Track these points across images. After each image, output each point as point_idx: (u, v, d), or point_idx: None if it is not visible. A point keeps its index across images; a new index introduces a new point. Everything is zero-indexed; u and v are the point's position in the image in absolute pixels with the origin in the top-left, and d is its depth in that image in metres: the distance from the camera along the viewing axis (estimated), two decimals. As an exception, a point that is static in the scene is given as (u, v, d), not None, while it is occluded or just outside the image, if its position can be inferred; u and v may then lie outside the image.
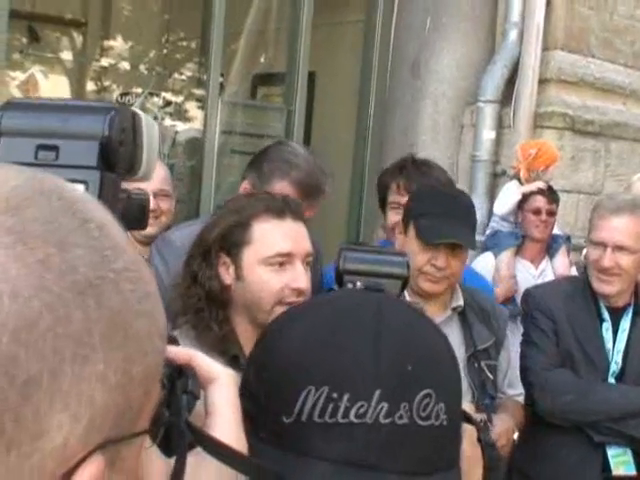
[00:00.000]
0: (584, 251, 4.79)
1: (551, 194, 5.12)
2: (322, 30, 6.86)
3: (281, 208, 2.33)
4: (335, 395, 0.97)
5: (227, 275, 2.33)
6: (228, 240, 2.32)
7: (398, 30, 6.69)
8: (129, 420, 0.61)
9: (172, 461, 0.79)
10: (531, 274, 4.98)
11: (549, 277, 4.93)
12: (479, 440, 1.12)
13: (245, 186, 3.21)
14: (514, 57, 6.16)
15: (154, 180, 3.64)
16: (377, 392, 0.96)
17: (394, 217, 3.39)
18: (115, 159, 0.92)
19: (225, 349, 2.24)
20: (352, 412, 0.96)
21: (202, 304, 2.31)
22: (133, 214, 1.00)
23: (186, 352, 0.90)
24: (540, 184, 5.11)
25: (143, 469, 0.75)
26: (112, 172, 0.92)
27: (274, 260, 2.28)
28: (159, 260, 3.14)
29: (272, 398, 1.00)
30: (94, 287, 0.58)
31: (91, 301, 0.57)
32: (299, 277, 2.29)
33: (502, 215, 5.19)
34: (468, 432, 1.09)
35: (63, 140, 0.89)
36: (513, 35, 6.20)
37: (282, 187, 3.08)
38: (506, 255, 4.97)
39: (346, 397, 0.97)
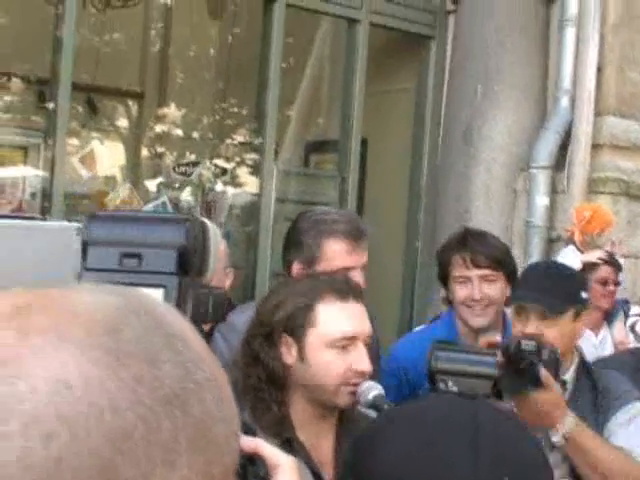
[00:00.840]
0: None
1: (616, 263, 5.11)
2: (374, 97, 6.95)
3: (344, 290, 2.35)
4: None
5: (289, 356, 2.34)
6: (292, 322, 2.34)
7: (449, 97, 6.76)
8: None
9: None
10: (592, 343, 4.94)
11: (609, 345, 4.90)
12: None
13: (297, 268, 3.09)
14: (566, 123, 6.19)
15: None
16: None
17: (462, 292, 3.42)
18: (190, 265, 0.98)
19: (279, 431, 2.26)
20: None
21: (262, 384, 2.34)
22: (215, 308, 1.07)
23: (252, 440, 0.95)
24: (600, 254, 5.10)
25: None
26: (186, 276, 0.98)
27: (339, 343, 2.30)
28: (223, 344, 3.11)
29: None
30: (179, 398, 0.64)
31: (177, 411, 0.63)
32: (362, 359, 2.31)
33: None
34: None
35: (145, 248, 0.96)
36: (565, 101, 6.24)
37: (333, 245, 3.02)
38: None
39: None
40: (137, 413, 0.62)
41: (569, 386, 2.91)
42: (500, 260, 3.43)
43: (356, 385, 2.29)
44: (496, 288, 3.38)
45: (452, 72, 6.73)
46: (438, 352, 1.21)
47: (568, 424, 2.68)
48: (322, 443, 2.37)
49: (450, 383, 1.17)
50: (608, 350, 4.84)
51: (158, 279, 0.95)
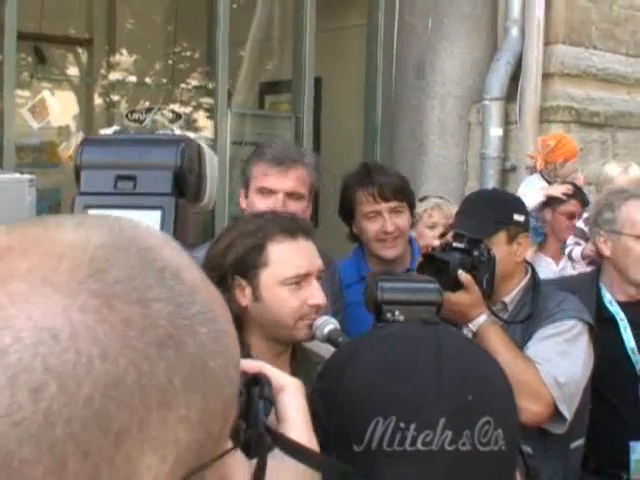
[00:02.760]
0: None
1: (582, 196, 5.19)
2: (326, 36, 6.94)
3: (293, 228, 2.38)
4: (402, 424, 1.04)
5: (243, 297, 2.37)
6: (244, 263, 2.36)
7: (401, 32, 6.78)
8: (210, 448, 0.67)
9: (253, 462, 0.85)
10: (552, 271, 5.04)
11: (568, 273, 5.00)
12: (519, 452, 1.19)
13: (241, 195, 3.31)
14: (517, 53, 6.24)
15: None
16: (442, 420, 1.04)
17: (373, 226, 3.46)
18: (186, 187, 1.00)
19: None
20: (419, 440, 1.03)
21: None
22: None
23: (256, 363, 0.97)
24: (565, 189, 5.17)
25: (229, 470, 0.82)
26: (184, 198, 1.00)
27: (292, 280, 2.34)
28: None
29: (342, 427, 1.07)
30: (172, 337, 0.63)
31: (171, 351, 0.62)
32: (316, 294, 2.35)
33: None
34: None
35: (140, 170, 0.98)
36: (514, 32, 6.29)
37: (259, 169, 3.19)
38: (529, 253, 5.04)
39: (413, 426, 1.04)
40: (128, 358, 0.60)
41: (510, 307, 3.01)
42: (404, 191, 3.49)
43: (312, 318, 2.33)
44: (404, 218, 3.45)
45: (402, 6, 6.74)
46: (382, 283, 1.26)
47: (479, 321, 2.86)
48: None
49: (397, 312, 1.22)
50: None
51: (154, 201, 0.96)
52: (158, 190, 0.98)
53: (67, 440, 0.57)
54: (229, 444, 0.75)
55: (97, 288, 0.61)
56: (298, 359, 2.43)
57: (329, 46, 7.08)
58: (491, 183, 6.18)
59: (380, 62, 6.93)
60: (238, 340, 2.17)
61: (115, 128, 7.93)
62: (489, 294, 2.93)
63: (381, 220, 3.42)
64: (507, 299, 3.03)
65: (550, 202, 5.19)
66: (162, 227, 0.97)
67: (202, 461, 0.66)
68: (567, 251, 5.19)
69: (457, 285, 2.86)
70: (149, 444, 0.61)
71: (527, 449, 1.18)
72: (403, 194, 3.47)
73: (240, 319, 2.35)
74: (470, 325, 2.88)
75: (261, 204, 3.11)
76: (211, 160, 1.05)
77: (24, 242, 0.64)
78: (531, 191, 5.20)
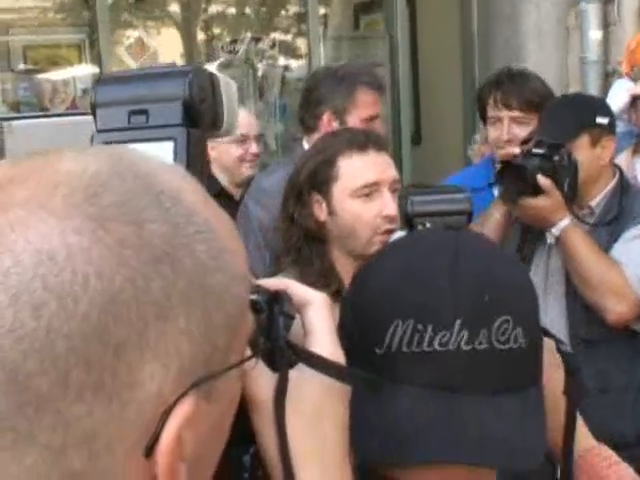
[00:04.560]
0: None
1: None
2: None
3: (363, 142, 2.43)
4: (420, 327, 1.07)
5: (321, 212, 2.45)
6: (317, 179, 2.45)
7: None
8: (218, 359, 0.70)
9: (277, 376, 0.89)
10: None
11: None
12: (558, 350, 1.19)
13: (327, 119, 3.31)
14: (614, -48, 6.02)
15: (241, 126, 3.88)
16: (458, 321, 1.06)
17: (494, 132, 3.43)
18: (198, 116, 1.02)
19: (327, 283, 2.36)
20: (436, 341, 1.06)
21: (301, 242, 2.44)
22: None
23: (282, 281, 0.99)
24: None
25: (253, 382, 0.88)
26: (197, 128, 1.03)
27: (361, 192, 2.40)
28: (254, 206, 3.31)
29: (364, 332, 1.11)
30: (168, 255, 0.66)
31: (167, 268, 0.66)
32: (387, 204, 2.39)
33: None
34: (547, 343, 1.17)
35: (151, 104, 1.00)
36: None
37: (366, 96, 3.28)
38: (625, 156, 4.92)
39: (430, 328, 1.07)
40: (124, 276, 0.63)
41: (597, 210, 2.97)
42: (533, 102, 3.39)
43: (388, 232, 2.36)
44: (526, 130, 3.33)
45: None
46: (412, 197, 1.27)
47: (562, 225, 2.86)
48: None
49: (427, 224, 1.23)
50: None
51: (166, 132, 0.99)
52: (169, 122, 1.00)
53: (69, 353, 0.61)
54: (247, 353, 0.79)
55: (92, 211, 0.65)
56: None
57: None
58: (593, 87, 6.01)
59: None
60: (321, 252, 2.19)
61: (216, 62, 8.00)
62: (572, 198, 2.90)
63: (501, 127, 3.38)
64: (593, 203, 3.01)
65: (636, 102, 5.03)
66: (175, 157, 0.99)
67: (210, 372, 0.69)
68: None
69: (537, 191, 2.84)
70: (149, 354, 0.65)
71: (566, 348, 1.19)
72: (530, 105, 3.38)
73: (321, 234, 2.45)
74: (553, 230, 2.87)
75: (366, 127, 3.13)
76: (227, 87, 1.07)
77: (25, 172, 0.68)
78: (616, 94, 5.05)
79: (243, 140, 4.01)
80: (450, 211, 1.25)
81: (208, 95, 1.05)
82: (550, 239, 2.93)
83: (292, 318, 0.98)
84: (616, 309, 2.80)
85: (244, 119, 4.03)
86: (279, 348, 0.90)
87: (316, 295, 0.98)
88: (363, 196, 2.39)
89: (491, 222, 3.04)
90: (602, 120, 2.98)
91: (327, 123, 3.31)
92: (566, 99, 3.46)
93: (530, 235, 3.06)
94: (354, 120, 3.28)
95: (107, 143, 1.00)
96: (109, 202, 0.66)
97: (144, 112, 1.00)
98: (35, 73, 6.75)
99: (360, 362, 1.04)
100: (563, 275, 2.97)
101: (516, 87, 3.40)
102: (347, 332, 1.08)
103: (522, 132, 3.33)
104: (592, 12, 6.02)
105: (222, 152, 3.98)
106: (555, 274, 2.99)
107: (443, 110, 7.14)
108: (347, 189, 2.40)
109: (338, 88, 3.32)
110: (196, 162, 1.01)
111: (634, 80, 5.18)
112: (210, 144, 4.00)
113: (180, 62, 8.86)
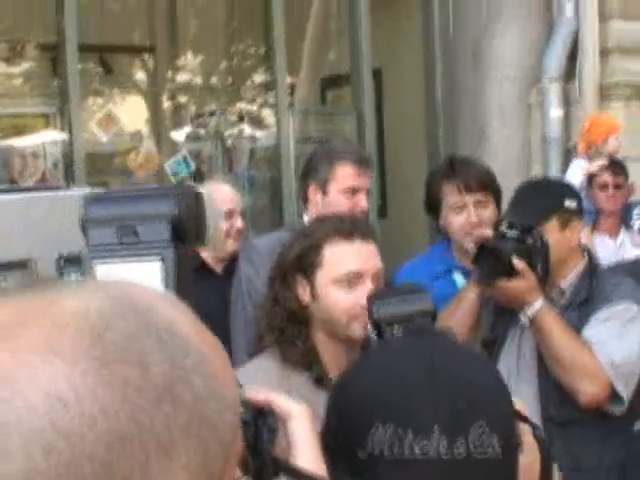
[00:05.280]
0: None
1: (617, 167, 5.15)
2: (382, 26, 6.98)
3: (349, 230, 2.48)
4: (400, 431, 1.11)
5: (304, 295, 2.49)
6: (302, 262, 2.48)
7: (456, 17, 6.78)
8: None
9: None
10: (608, 246, 5.02)
11: (628, 247, 4.99)
12: (535, 437, 1.23)
13: (313, 191, 3.49)
14: (572, 32, 6.20)
15: (226, 201, 3.96)
16: (436, 427, 1.10)
17: (458, 219, 3.45)
18: (184, 233, 1.07)
19: (309, 364, 2.41)
20: (416, 448, 1.10)
21: (285, 323, 2.48)
22: None
23: (263, 394, 1.02)
24: (602, 162, 5.15)
25: None
26: (183, 244, 1.08)
27: (344, 280, 2.43)
28: (247, 265, 3.46)
29: (347, 434, 1.15)
30: (169, 392, 0.69)
31: (168, 405, 0.69)
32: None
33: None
34: (523, 428, 1.21)
35: (140, 223, 1.05)
36: (569, 10, 6.23)
37: (344, 169, 3.44)
38: (584, 234, 5.03)
39: (410, 432, 1.11)
40: (128, 414, 0.67)
41: (567, 292, 3.04)
42: (490, 184, 3.47)
43: (366, 319, 2.41)
44: (490, 211, 3.42)
45: (456, -8, 6.75)
46: (376, 301, 1.33)
47: (535, 306, 2.90)
48: None
49: (396, 327, 1.28)
50: (628, 252, 4.93)
51: (154, 251, 1.04)
52: (158, 239, 1.05)
53: None
54: (238, 475, 0.83)
55: (97, 353, 0.68)
56: None
57: (386, 36, 7.11)
58: (554, 164, 6.15)
59: (438, 49, 6.94)
60: (304, 334, 2.20)
61: (184, 130, 8.07)
62: (544, 280, 2.97)
63: (467, 212, 3.45)
64: (564, 284, 3.06)
65: (592, 180, 5.18)
66: (163, 275, 1.03)
67: None
68: (636, 225, 5.16)
69: (512, 273, 2.91)
70: None
71: (541, 433, 1.23)
72: (488, 187, 3.47)
73: (303, 316, 2.49)
74: (527, 311, 2.93)
75: (347, 202, 3.37)
76: (210, 204, 1.12)
77: (32, 312, 0.71)
78: (573, 174, 5.19)
79: (228, 215, 4.01)
80: (415, 313, 1.29)
81: (194, 212, 1.10)
82: (524, 320, 2.99)
83: (275, 433, 1.02)
84: (588, 391, 2.84)
85: (229, 194, 4.10)
86: (265, 463, 0.93)
87: (297, 408, 1.01)
88: (345, 284, 2.44)
89: (466, 303, 3.09)
90: (571, 203, 3.06)
91: (312, 195, 3.48)
92: (535, 183, 3.55)
93: (502, 315, 3.11)
94: (334, 192, 3.43)
95: (97, 259, 1.04)
96: (113, 343, 0.69)
97: (133, 230, 1.05)
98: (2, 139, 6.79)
99: (344, 463, 1.09)
100: (535, 356, 3.02)
101: (473, 171, 3.47)
102: (332, 432, 1.14)
103: (485, 214, 3.40)
104: (553, 90, 6.18)
105: None
106: (527, 355, 3.04)
107: (409, 183, 7.25)
108: (330, 276, 2.44)
109: (321, 162, 3.52)
110: (182, 276, 1.05)
111: (590, 159, 5.33)
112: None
113: (145, 130, 8.94)
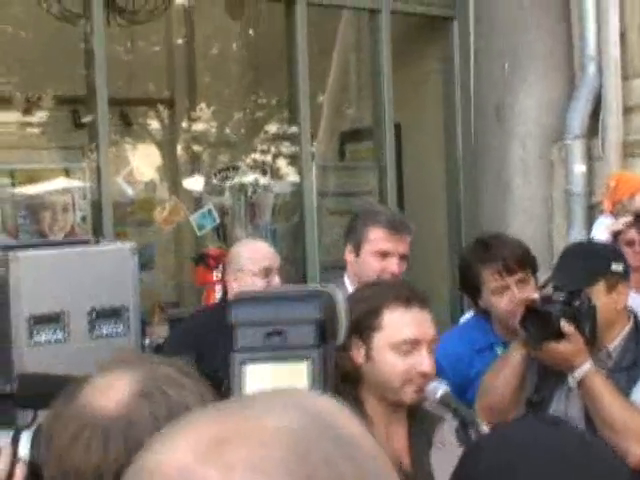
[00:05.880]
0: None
1: None
2: (403, 83, 7.07)
3: (408, 297, 2.53)
4: None
5: (359, 356, 2.54)
6: (360, 325, 2.52)
7: (477, 76, 6.88)
8: None
9: None
10: (636, 303, 5.04)
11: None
12: None
13: (348, 252, 3.62)
14: (595, 90, 6.28)
15: (264, 259, 4.03)
16: None
17: (502, 301, 3.42)
18: (327, 334, 1.12)
19: None
20: None
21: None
22: None
23: None
24: (626, 219, 5.19)
25: None
26: (325, 344, 1.13)
27: (402, 347, 2.49)
28: None
29: None
30: None
31: None
32: (424, 361, 2.49)
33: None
34: None
35: (287, 326, 1.10)
36: (592, 68, 6.33)
37: (376, 233, 3.53)
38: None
39: None
40: None
41: (614, 354, 3.07)
42: (527, 259, 3.49)
43: (419, 384, 2.45)
44: (531, 287, 3.40)
45: (477, 51, 6.84)
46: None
47: (584, 369, 2.94)
48: (394, 437, 2.55)
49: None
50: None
51: (301, 353, 1.09)
52: (305, 342, 1.09)
53: None
54: None
55: (303, 473, 0.72)
56: (417, 418, 2.55)
57: (407, 93, 7.20)
58: (578, 220, 6.21)
59: (458, 106, 7.03)
60: (353, 395, 2.25)
61: (202, 182, 8.16)
62: (592, 343, 3.01)
63: (510, 293, 3.41)
64: (611, 347, 3.10)
65: (616, 240, 5.22)
66: (310, 376, 1.08)
67: None
68: None
69: (560, 335, 2.95)
70: None
71: None
72: (527, 263, 3.48)
73: (355, 376, 2.54)
74: (575, 374, 2.96)
75: (377, 265, 3.47)
76: (342, 303, 1.18)
77: (237, 431, 0.75)
78: (598, 232, 5.24)
79: (267, 272, 4.08)
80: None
81: (332, 313, 1.15)
82: (572, 383, 3.02)
83: None
84: (638, 452, 2.88)
85: (268, 252, 4.20)
86: None
87: None
88: (402, 350, 2.49)
89: (511, 363, 3.13)
90: (617, 267, 3.11)
91: (348, 255, 3.60)
92: (581, 247, 3.58)
93: (547, 377, 3.15)
94: (366, 254, 3.52)
95: (245, 362, 1.09)
96: (316, 463, 0.73)
97: (281, 333, 1.10)
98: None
99: None
100: (583, 418, 3.05)
101: (508, 251, 3.46)
102: None
103: (527, 291, 3.36)
104: (576, 146, 6.26)
105: (246, 284, 4.03)
106: (575, 418, 3.07)
107: (429, 246, 7.31)
108: (388, 340, 2.50)
109: (358, 224, 3.64)
110: (329, 377, 1.10)
111: (616, 217, 5.37)
112: (233, 275, 4.13)
113: (165, 182, 9.03)
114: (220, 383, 1.30)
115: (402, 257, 3.53)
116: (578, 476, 1.20)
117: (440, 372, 3.55)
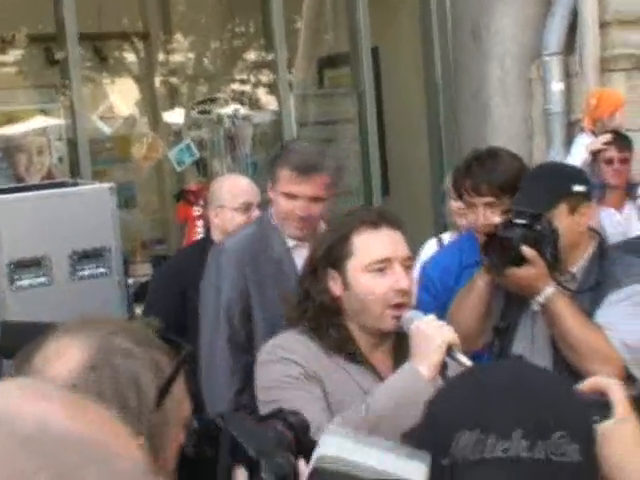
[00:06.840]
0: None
1: (622, 141, 5.20)
2: (380, 6, 6.99)
3: (375, 219, 2.54)
4: (484, 435, 1.21)
5: (336, 287, 2.54)
6: (332, 255, 2.55)
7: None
8: None
9: None
10: (616, 220, 5.08)
11: (634, 221, 5.05)
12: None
13: (269, 188, 3.54)
14: (571, 6, 6.22)
15: (244, 194, 4.04)
16: (519, 431, 1.21)
17: (471, 216, 3.44)
18: None
19: (342, 348, 2.51)
20: (499, 449, 1.20)
21: (317, 315, 2.54)
22: None
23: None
24: (604, 138, 5.19)
25: None
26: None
27: (374, 266, 2.49)
28: (213, 268, 3.54)
29: (433, 444, 1.24)
30: None
31: None
32: (400, 279, 2.49)
33: (577, 170, 5.28)
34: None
35: None
36: (568, -17, 6.25)
37: (284, 174, 3.41)
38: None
39: (493, 436, 1.21)
40: None
41: (578, 276, 3.07)
42: (504, 187, 3.36)
43: (399, 307, 2.47)
44: (500, 214, 3.29)
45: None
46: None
47: (546, 293, 2.94)
48: (381, 363, 2.56)
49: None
50: (634, 226, 4.99)
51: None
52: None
53: None
54: None
55: None
56: (403, 347, 2.51)
57: (383, 15, 7.11)
58: (557, 138, 6.19)
59: (435, 28, 6.95)
60: (335, 324, 2.27)
61: (181, 115, 8.10)
62: (554, 266, 3.00)
63: (476, 212, 3.40)
64: (574, 269, 3.09)
65: (596, 156, 5.22)
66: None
67: None
68: (638, 202, 5.22)
69: (522, 260, 2.95)
70: None
71: None
72: (501, 190, 3.36)
73: (336, 308, 2.55)
74: (538, 297, 2.97)
75: (285, 206, 3.39)
76: None
77: None
78: (577, 151, 5.23)
79: (247, 208, 4.11)
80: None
81: None
82: (535, 307, 3.03)
83: None
84: (603, 374, 2.89)
85: (246, 187, 4.20)
86: None
87: None
88: (376, 270, 2.49)
89: (476, 291, 3.13)
90: (579, 188, 3.09)
91: (270, 191, 3.52)
92: (542, 169, 3.52)
93: (513, 303, 3.15)
94: (276, 194, 3.46)
95: None
96: None
97: None
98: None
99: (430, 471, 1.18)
100: (548, 342, 3.06)
101: (485, 173, 3.38)
102: (418, 445, 1.23)
103: (495, 217, 3.30)
104: (554, 64, 6.21)
105: (226, 219, 4.09)
106: (540, 341, 3.08)
107: (410, 161, 7.29)
108: (361, 264, 2.51)
109: (273, 163, 3.56)
110: None
111: (596, 135, 5.36)
112: (214, 212, 4.14)
113: (143, 117, 8.94)
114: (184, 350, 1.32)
115: (313, 199, 3.41)
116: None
117: (429, 284, 3.59)
